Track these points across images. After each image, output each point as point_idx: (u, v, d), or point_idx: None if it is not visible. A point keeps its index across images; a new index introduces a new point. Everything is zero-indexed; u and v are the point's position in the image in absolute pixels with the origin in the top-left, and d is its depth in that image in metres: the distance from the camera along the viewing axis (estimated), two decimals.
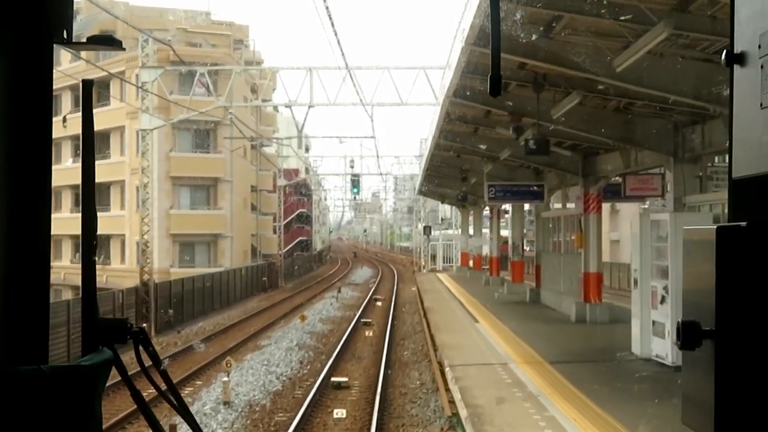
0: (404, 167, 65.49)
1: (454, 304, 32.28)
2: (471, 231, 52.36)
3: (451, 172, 38.99)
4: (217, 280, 41.98)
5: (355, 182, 57.89)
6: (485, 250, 48.66)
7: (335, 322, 34.00)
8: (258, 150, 60.44)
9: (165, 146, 52.92)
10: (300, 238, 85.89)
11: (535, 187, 28.21)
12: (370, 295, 46.72)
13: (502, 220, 45.67)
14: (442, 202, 55.15)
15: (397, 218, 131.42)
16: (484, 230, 50.79)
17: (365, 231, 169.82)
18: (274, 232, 65.03)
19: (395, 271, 71.47)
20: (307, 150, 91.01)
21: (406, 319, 34.73)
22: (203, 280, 39.39)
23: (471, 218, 55.30)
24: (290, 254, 75.54)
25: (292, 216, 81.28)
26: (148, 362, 1.60)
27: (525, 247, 37.53)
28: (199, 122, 51.73)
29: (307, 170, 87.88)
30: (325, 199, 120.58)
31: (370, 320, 34.01)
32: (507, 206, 41.33)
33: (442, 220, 75.83)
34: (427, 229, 60.45)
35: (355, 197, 59.19)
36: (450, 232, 65.99)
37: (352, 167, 60.94)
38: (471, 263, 51.69)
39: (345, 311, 38.75)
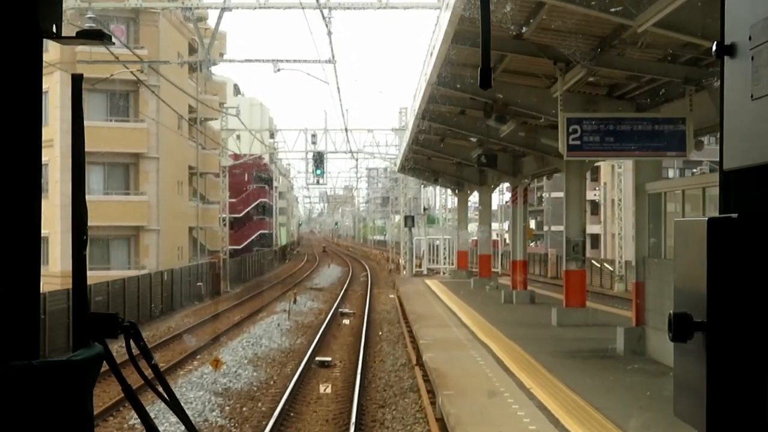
0: (380, 148, 53.36)
1: (482, 357, 17.27)
2: (471, 226, 40.11)
3: (462, 122, 23.58)
4: (119, 290, 29.72)
5: (318, 161, 45.81)
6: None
7: (275, 364, 22.02)
8: (197, 126, 48.33)
9: (70, 113, 40.80)
10: (261, 232, 75.58)
11: (669, 125, 13.73)
12: (334, 307, 34.99)
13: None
14: (435, 181, 42.89)
15: (371, 210, 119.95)
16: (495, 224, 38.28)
17: (336, 224, 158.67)
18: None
19: (368, 270, 60.85)
20: (272, 136, 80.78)
21: (386, 353, 22.87)
22: (90, 293, 27.14)
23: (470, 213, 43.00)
24: (246, 250, 64.42)
25: (250, 206, 70.89)
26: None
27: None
28: (114, 82, 39.74)
29: (271, 158, 76.96)
30: (291, 189, 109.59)
31: (329, 359, 22.13)
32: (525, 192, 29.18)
33: (424, 209, 63.76)
34: (409, 220, 48.31)
35: (318, 180, 47.00)
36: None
37: (314, 144, 48.82)
38: (474, 266, 39.34)
39: (296, 337, 26.86)
